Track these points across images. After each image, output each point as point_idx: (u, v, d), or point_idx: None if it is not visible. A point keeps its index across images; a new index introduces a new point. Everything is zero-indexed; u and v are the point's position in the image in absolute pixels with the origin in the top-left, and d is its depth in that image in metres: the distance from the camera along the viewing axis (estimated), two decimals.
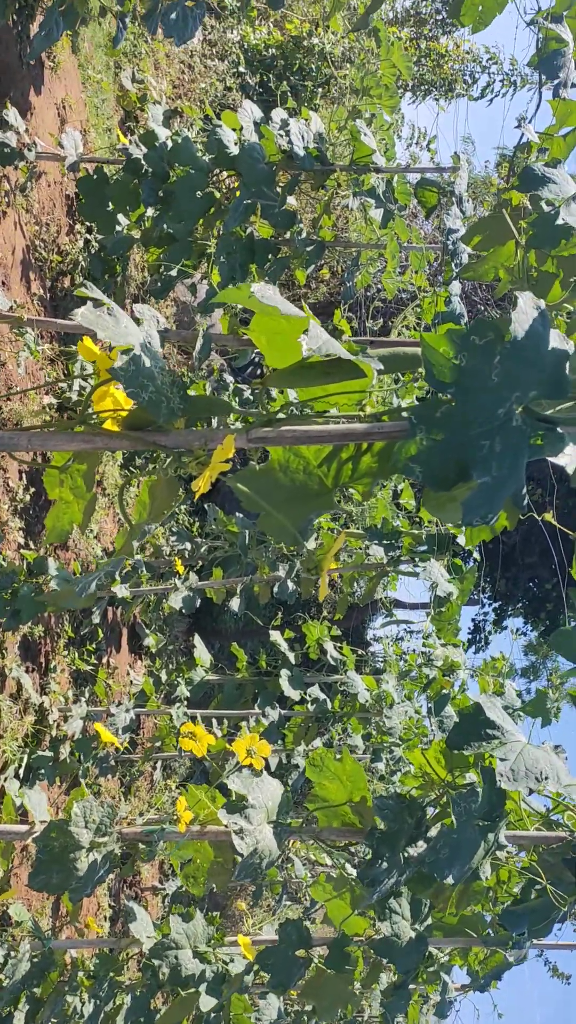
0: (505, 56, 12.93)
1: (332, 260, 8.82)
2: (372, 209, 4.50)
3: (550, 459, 1.47)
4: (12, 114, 4.05)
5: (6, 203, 4.52)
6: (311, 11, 9.08)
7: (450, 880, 2.23)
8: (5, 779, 4.30)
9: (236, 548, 5.68)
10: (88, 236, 5.52)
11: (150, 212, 4.13)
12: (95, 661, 5.89)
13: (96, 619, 5.64)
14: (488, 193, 10.55)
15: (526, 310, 1.38)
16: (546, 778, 2.13)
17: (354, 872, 2.80)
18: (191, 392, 1.45)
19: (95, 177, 4.09)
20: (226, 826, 2.31)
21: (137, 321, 1.50)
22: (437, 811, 2.42)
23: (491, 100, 10.94)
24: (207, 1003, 2.64)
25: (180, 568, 5.64)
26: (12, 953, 2.99)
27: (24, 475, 4.72)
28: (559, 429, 1.42)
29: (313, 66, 8.44)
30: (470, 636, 15.56)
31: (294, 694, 5.29)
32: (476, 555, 5.48)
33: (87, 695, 5.56)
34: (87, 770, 4.89)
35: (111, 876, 5.90)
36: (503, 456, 1.39)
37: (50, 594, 3.89)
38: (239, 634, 9.11)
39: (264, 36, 8.61)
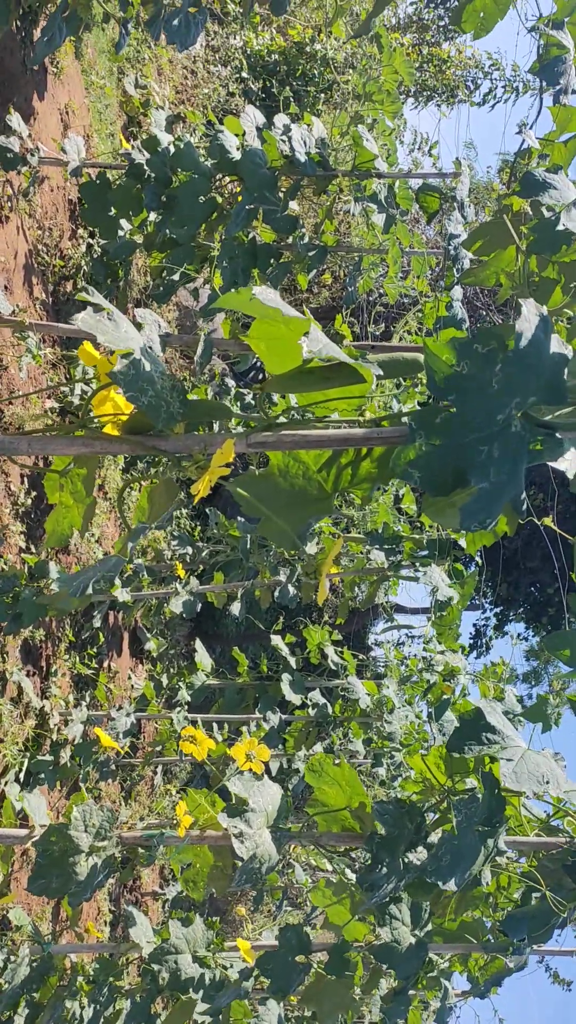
0: (507, 62, 12.96)
1: (334, 265, 8.83)
2: (374, 214, 4.51)
3: (550, 464, 1.47)
4: (15, 119, 4.06)
5: (9, 208, 4.53)
6: (314, 17, 9.10)
7: (451, 886, 2.22)
8: (5, 783, 4.30)
9: (237, 552, 5.69)
10: (91, 241, 5.53)
11: (152, 217, 4.14)
12: (96, 665, 5.89)
13: (97, 623, 5.64)
14: (490, 199, 10.57)
15: (529, 318, 1.39)
16: (547, 781, 2.14)
17: (354, 877, 2.80)
18: (191, 397, 1.45)
19: (98, 182, 4.10)
20: (226, 830, 2.31)
21: (139, 326, 1.51)
22: (437, 817, 2.42)
23: (493, 106, 10.96)
24: (203, 1009, 2.63)
25: (181, 572, 5.64)
26: (12, 957, 2.99)
27: (26, 479, 4.72)
28: (558, 434, 1.43)
29: (316, 72, 8.46)
30: (471, 641, 15.55)
31: (295, 699, 5.29)
32: (478, 559, 5.48)
33: (88, 699, 5.56)
34: (88, 774, 4.89)
35: (111, 881, 5.89)
36: (502, 462, 1.40)
37: (47, 595, 3.90)
38: (240, 638, 9.11)
39: (267, 42, 8.63)
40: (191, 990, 2.72)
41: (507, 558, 13.22)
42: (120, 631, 6.78)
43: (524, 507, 1.42)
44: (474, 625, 15.88)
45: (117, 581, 5.16)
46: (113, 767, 5.26)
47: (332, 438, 1.44)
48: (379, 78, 5.28)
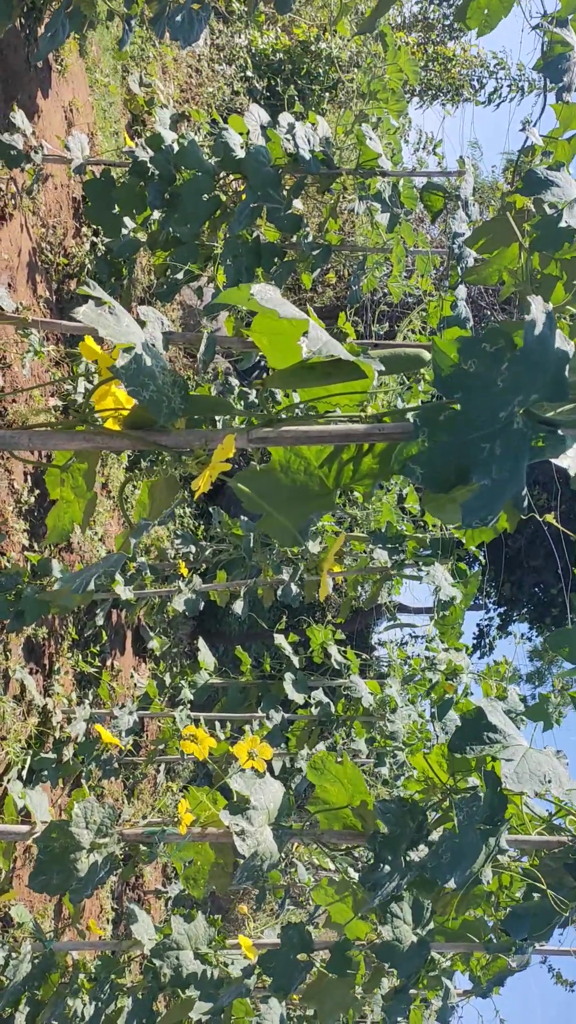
0: (512, 61, 12.95)
1: (338, 264, 8.82)
2: (378, 213, 4.51)
3: (552, 461, 1.47)
4: (19, 116, 4.06)
5: (13, 205, 4.54)
6: (319, 16, 9.09)
7: (452, 884, 2.22)
8: (8, 780, 4.30)
9: (240, 551, 5.69)
10: (94, 239, 5.53)
11: (156, 215, 4.14)
12: (99, 663, 5.90)
13: (100, 621, 5.64)
14: (494, 198, 10.55)
15: (537, 315, 1.38)
16: (549, 781, 2.13)
17: (356, 876, 2.80)
18: (193, 393, 1.45)
19: (101, 180, 4.10)
20: (227, 828, 2.31)
21: (142, 323, 1.50)
22: (439, 815, 2.42)
23: (498, 105, 10.95)
24: (201, 1010, 2.63)
25: (184, 571, 5.65)
26: (14, 954, 2.99)
27: (29, 477, 4.72)
28: (560, 431, 1.42)
29: (320, 70, 8.45)
30: (475, 641, 15.53)
31: (298, 698, 5.29)
32: (481, 559, 5.47)
33: (91, 697, 5.57)
34: (90, 772, 4.89)
35: (114, 879, 5.90)
36: (504, 459, 1.39)
37: (50, 592, 3.90)
38: (243, 637, 9.11)
39: (272, 41, 8.63)
40: (192, 987, 2.72)
41: (510, 558, 13.20)
42: (123, 630, 6.78)
43: (525, 504, 1.41)
44: (477, 625, 15.87)
45: (119, 577, 5.17)
46: (116, 765, 5.26)
47: (333, 433, 1.44)
48: (384, 76, 5.27)
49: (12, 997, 2.92)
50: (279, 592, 5.44)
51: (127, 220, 4.22)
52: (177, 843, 2.49)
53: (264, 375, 8.00)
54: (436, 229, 10.07)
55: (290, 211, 4.08)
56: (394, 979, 3.09)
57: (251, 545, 5.58)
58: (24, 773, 4.44)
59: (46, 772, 4.47)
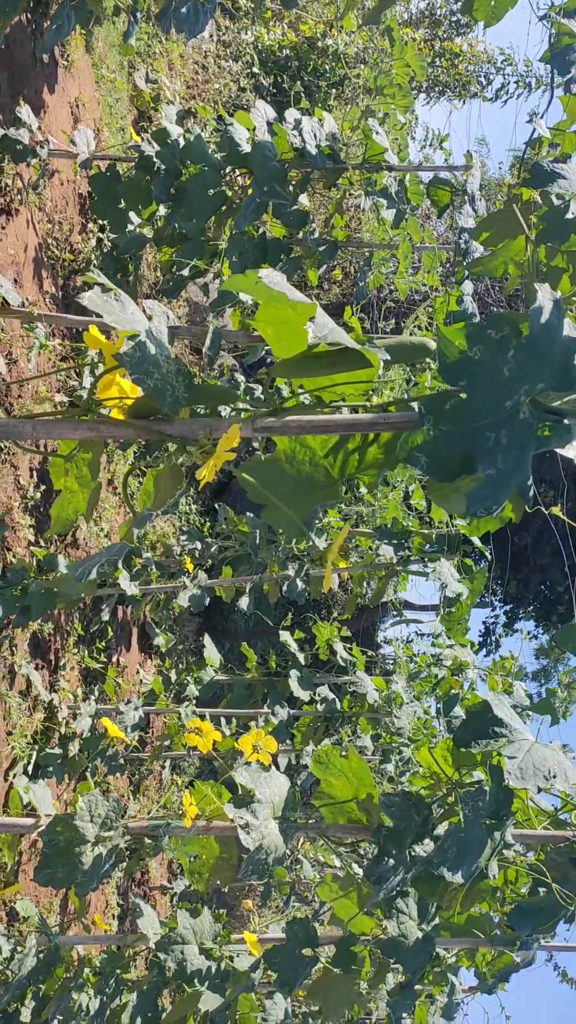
0: (519, 57, 12.92)
1: (344, 261, 8.81)
2: (384, 209, 4.50)
3: (558, 451, 1.46)
4: (25, 111, 4.06)
5: (19, 201, 4.54)
6: (325, 12, 9.08)
7: (458, 878, 2.21)
8: (14, 775, 4.31)
9: (246, 548, 5.68)
10: (101, 235, 5.53)
11: (162, 210, 4.14)
12: (105, 660, 5.90)
13: (105, 616, 5.64)
14: (501, 193, 10.53)
15: (544, 302, 1.38)
16: (554, 776, 2.12)
17: (361, 871, 2.79)
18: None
19: (107, 174, 4.10)
20: (232, 821, 2.31)
21: (148, 318, 1.50)
22: (444, 810, 2.41)
23: (505, 102, 10.93)
24: (208, 1002, 2.63)
25: (190, 567, 5.65)
26: (19, 948, 2.99)
27: (35, 473, 4.73)
28: (566, 421, 1.41)
29: (327, 67, 8.44)
30: (481, 639, 15.50)
31: (304, 695, 5.28)
32: (488, 555, 5.46)
33: (96, 693, 5.57)
34: (96, 768, 4.89)
35: (119, 875, 5.90)
36: (509, 448, 1.38)
37: (53, 578, 3.90)
38: (249, 634, 9.11)
39: (278, 37, 8.62)
40: (197, 981, 2.72)
41: (516, 555, 13.16)
42: (129, 626, 6.78)
43: (531, 493, 1.41)
44: (483, 623, 15.84)
45: (125, 572, 5.17)
46: (121, 761, 5.26)
47: (338, 423, 1.43)
48: (391, 72, 5.26)
49: (17, 991, 2.92)
50: (284, 588, 5.44)
51: (133, 216, 4.22)
52: (182, 837, 2.49)
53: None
54: (442, 225, 10.06)
55: (296, 207, 4.07)
56: (399, 975, 3.08)
57: (257, 542, 5.57)
58: (30, 768, 4.45)
59: (52, 768, 4.47)
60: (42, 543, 4.78)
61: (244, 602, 5.66)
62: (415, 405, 1.43)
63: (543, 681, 15.21)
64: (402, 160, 4.71)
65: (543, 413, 1.40)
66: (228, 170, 4.00)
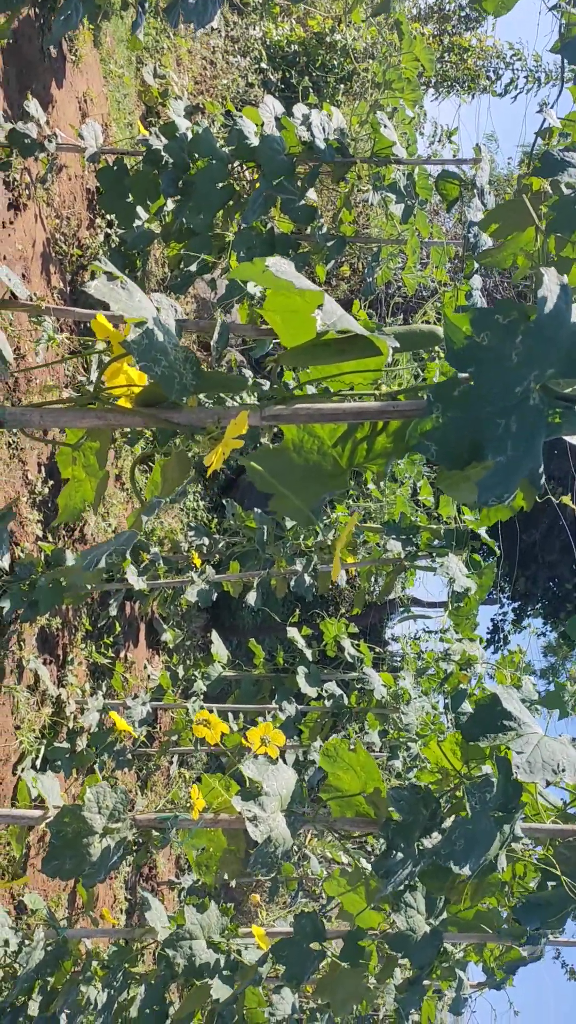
0: (528, 52, 12.86)
1: (353, 257, 8.80)
2: (393, 204, 4.48)
3: (567, 439, 1.44)
4: (33, 105, 4.06)
5: (27, 196, 4.54)
6: (333, 7, 9.06)
7: (466, 871, 2.21)
8: (22, 769, 4.31)
9: (254, 543, 5.68)
10: (108, 231, 5.52)
11: (170, 205, 4.13)
12: (112, 655, 5.90)
13: (113, 612, 5.65)
14: (510, 187, 10.49)
15: (551, 287, 1.36)
16: (563, 770, 2.11)
17: (369, 866, 2.78)
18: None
19: (115, 168, 4.09)
20: (239, 814, 2.30)
21: (156, 310, 1.49)
22: (452, 803, 2.40)
23: (515, 97, 10.89)
24: (219, 991, 2.62)
25: (197, 562, 5.64)
26: (27, 941, 2.99)
27: (43, 468, 4.73)
28: None
29: (335, 61, 8.42)
30: (489, 636, 15.48)
31: (311, 691, 5.28)
32: (497, 550, 5.44)
33: (104, 688, 5.57)
34: (104, 763, 4.89)
35: (127, 869, 5.91)
36: (519, 435, 1.37)
37: (61, 569, 3.90)
38: (257, 630, 9.11)
39: (286, 32, 8.60)
40: (206, 975, 2.72)
41: (525, 552, 13.13)
42: (137, 622, 6.78)
43: (542, 481, 1.40)
44: (492, 620, 15.82)
45: (132, 567, 5.17)
46: (129, 756, 5.27)
47: (347, 411, 1.42)
48: (399, 66, 5.25)
49: (25, 984, 2.93)
50: (292, 583, 5.43)
51: (140, 210, 4.21)
52: (189, 829, 2.48)
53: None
54: (451, 220, 10.03)
55: (304, 202, 4.06)
56: (407, 970, 3.07)
57: (264, 537, 5.57)
58: (38, 763, 4.45)
59: (60, 762, 4.47)
60: (50, 538, 4.79)
61: (252, 597, 5.66)
62: (423, 393, 1.42)
63: (551, 679, 15.17)
64: (411, 155, 4.69)
65: (554, 400, 1.39)
66: (236, 164, 3.99)
